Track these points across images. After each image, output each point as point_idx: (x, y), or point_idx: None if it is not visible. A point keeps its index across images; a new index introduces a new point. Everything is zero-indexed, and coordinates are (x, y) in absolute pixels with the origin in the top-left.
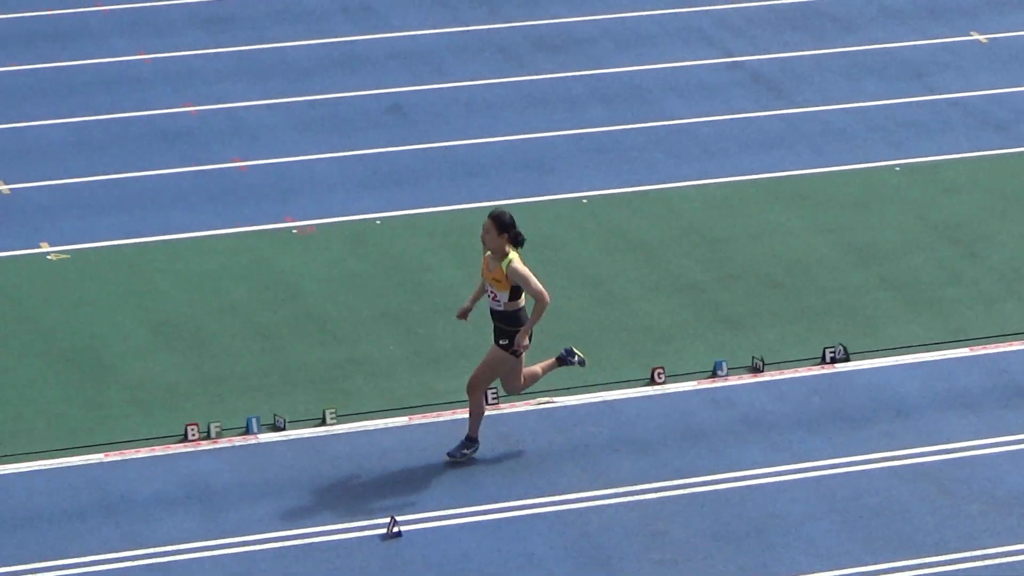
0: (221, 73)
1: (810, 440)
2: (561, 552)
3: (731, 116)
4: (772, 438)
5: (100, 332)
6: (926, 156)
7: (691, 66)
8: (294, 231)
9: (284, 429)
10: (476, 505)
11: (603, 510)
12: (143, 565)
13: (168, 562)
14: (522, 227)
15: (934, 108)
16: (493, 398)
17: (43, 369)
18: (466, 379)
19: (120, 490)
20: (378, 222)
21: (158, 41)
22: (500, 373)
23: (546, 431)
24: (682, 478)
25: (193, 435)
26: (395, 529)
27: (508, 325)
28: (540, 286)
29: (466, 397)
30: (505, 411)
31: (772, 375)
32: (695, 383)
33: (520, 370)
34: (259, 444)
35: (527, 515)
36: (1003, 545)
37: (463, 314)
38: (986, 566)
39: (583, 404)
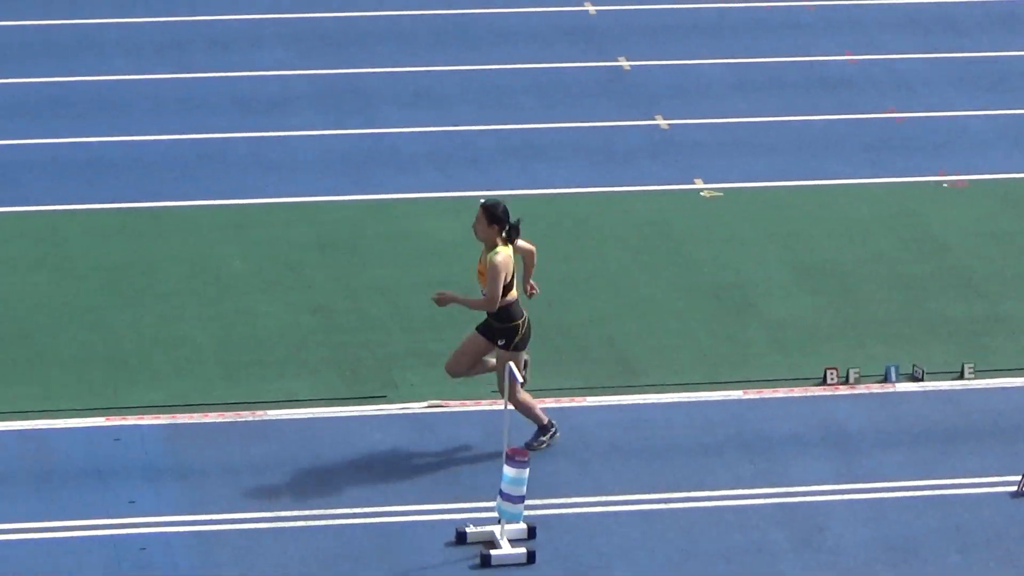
0: (882, 24)
1: None
2: None
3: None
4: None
5: (746, 270)
6: None
7: None
8: (945, 185)
9: (922, 380)
10: None
11: None
12: (773, 504)
13: (797, 503)
14: None
15: None
16: None
17: (690, 303)
18: None
19: (756, 428)
20: None
21: None
22: (479, 354)
23: None
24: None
25: (832, 379)
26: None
27: (498, 322)
28: (498, 292)
29: None
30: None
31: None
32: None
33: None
34: (896, 393)
35: None
36: None
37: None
38: None
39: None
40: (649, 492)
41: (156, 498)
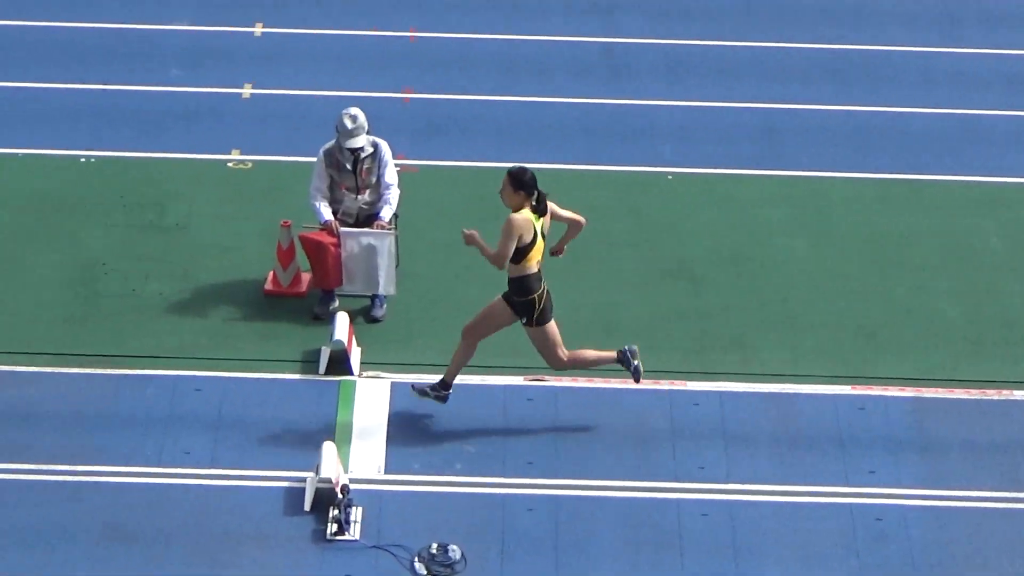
0: None
1: None
2: None
3: None
4: None
5: None
6: None
7: None
8: None
9: None
10: None
11: None
12: None
13: None
14: None
15: None
16: None
17: None
18: None
19: None
20: None
21: None
22: (499, 326)
23: None
24: None
25: None
26: None
27: (516, 295)
28: (507, 251)
29: None
30: None
31: None
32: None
33: (558, 347)
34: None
35: None
36: None
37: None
38: None
39: None
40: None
41: (895, 470)
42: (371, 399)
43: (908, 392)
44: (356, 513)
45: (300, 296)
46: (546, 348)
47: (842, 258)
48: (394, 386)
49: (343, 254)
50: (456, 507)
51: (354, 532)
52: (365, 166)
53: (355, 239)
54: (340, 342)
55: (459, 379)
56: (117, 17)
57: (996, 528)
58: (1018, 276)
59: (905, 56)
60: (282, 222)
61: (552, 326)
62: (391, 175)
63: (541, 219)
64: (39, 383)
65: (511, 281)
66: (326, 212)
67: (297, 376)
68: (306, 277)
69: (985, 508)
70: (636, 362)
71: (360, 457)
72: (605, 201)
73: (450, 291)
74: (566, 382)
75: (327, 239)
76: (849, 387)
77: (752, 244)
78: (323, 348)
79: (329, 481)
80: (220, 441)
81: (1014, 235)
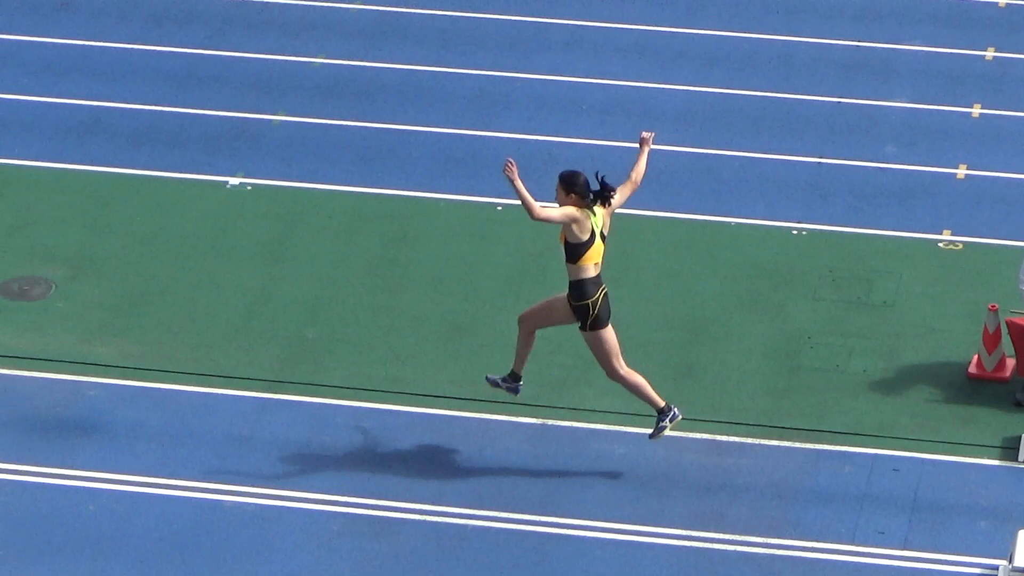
0: None
1: None
2: None
3: None
4: None
5: None
6: None
7: None
8: None
9: None
10: None
11: None
12: None
13: None
14: None
15: None
16: None
17: None
18: None
19: None
20: None
21: None
22: (554, 321)
23: None
24: None
25: None
26: None
27: (575, 299)
28: (546, 213)
29: None
30: None
31: None
32: None
33: (614, 356)
34: None
35: None
36: None
37: None
38: None
39: None
40: None
41: None
42: None
43: None
44: None
45: (1003, 381)
46: (601, 355)
47: None
48: None
49: None
50: None
51: None
52: None
53: None
54: None
55: None
56: (834, 90)
57: None
58: None
59: None
60: (990, 306)
61: (609, 332)
62: None
63: (601, 218)
64: (740, 453)
65: (570, 284)
66: None
67: (996, 462)
68: (1010, 363)
69: None
70: (666, 424)
71: None
72: None
73: None
74: None
75: None
76: None
77: None
78: (1023, 435)
79: (1021, 570)
80: (914, 523)
81: None
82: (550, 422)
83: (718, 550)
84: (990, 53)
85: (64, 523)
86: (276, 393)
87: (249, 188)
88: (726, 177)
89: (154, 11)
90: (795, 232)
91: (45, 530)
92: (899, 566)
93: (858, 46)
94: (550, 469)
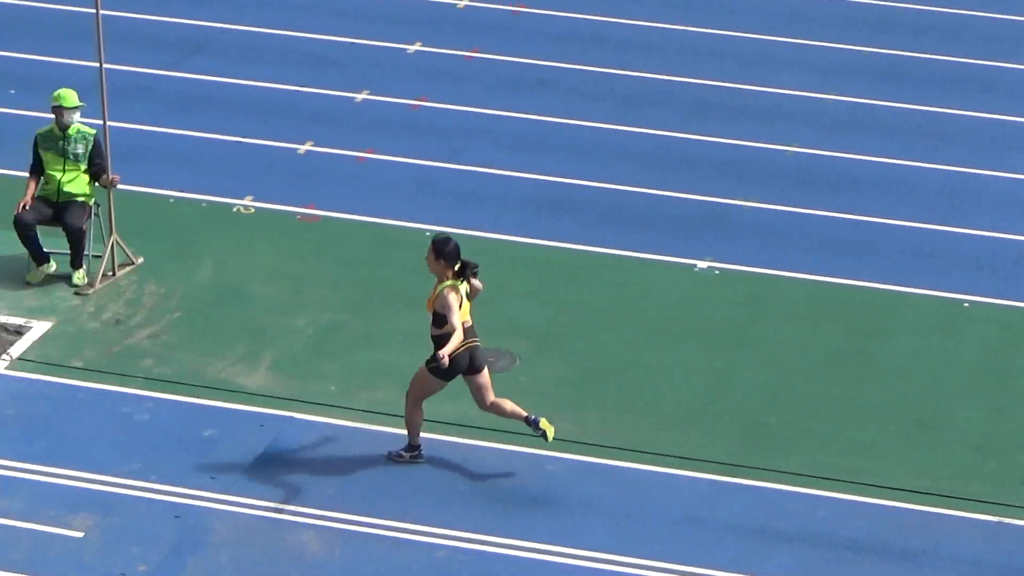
0: None
1: None
2: None
3: None
4: None
5: None
6: None
7: None
8: None
9: None
10: None
11: None
12: None
13: None
14: None
15: None
16: None
17: None
18: None
19: None
20: None
21: None
22: (427, 390)
23: None
24: None
25: None
26: None
27: (436, 346)
28: (456, 322)
29: None
30: None
31: None
32: None
33: (485, 389)
34: None
35: None
36: None
37: None
38: None
39: None
40: None
41: None
42: None
43: None
44: None
45: None
46: (479, 393)
47: None
48: None
49: None
50: None
51: None
52: None
53: None
54: None
55: None
56: None
57: None
58: None
59: None
60: None
61: (437, 383)
62: None
63: (464, 283)
64: None
65: (436, 340)
66: None
67: None
68: None
69: None
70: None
71: None
72: None
73: None
74: None
75: None
76: None
77: None
78: None
79: None
80: None
81: None
82: (1007, 520)
83: None
84: None
85: None
86: (732, 476)
87: (717, 272)
88: None
89: (629, 92)
90: None
91: None
92: None
93: None
94: (1006, 567)
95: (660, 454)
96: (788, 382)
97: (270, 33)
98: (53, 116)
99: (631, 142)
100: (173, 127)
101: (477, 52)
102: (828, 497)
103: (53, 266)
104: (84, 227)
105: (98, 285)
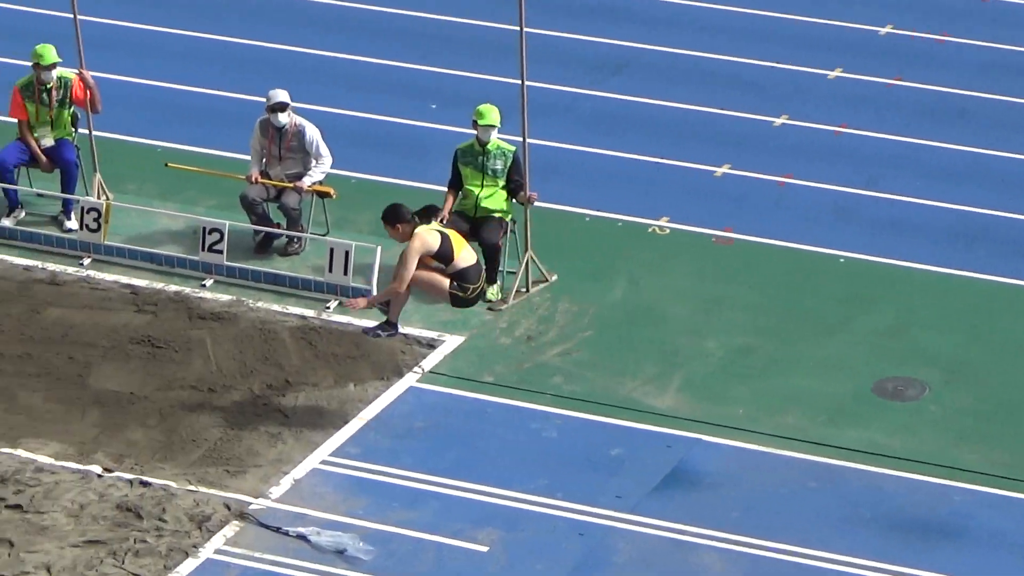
0: None
1: None
2: None
3: None
4: None
5: None
6: None
7: None
8: None
9: None
10: None
11: None
12: None
13: None
14: None
15: None
16: None
17: None
18: None
19: None
20: None
21: None
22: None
23: None
24: None
25: None
26: None
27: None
28: (406, 273)
29: None
30: None
31: None
32: None
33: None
34: None
35: None
36: None
37: None
38: None
39: None
40: None
41: None
42: None
43: None
44: None
45: None
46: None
47: None
48: None
49: None
50: None
51: None
52: None
53: None
54: None
55: None
56: None
57: None
58: None
59: None
60: None
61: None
62: None
63: (436, 223)
64: None
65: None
66: None
67: None
68: None
69: None
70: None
71: None
72: None
73: None
74: None
75: None
76: None
77: None
78: None
79: None
80: None
81: None
82: None
83: None
84: None
85: None
86: None
87: None
88: None
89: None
90: None
91: None
92: None
93: None
94: None
95: None
96: None
97: (688, 55)
98: (474, 132)
99: None
100: (591, 146)
101: (899, 80)
102: None
103: None
104: (500, 243)
105: (511, 301)
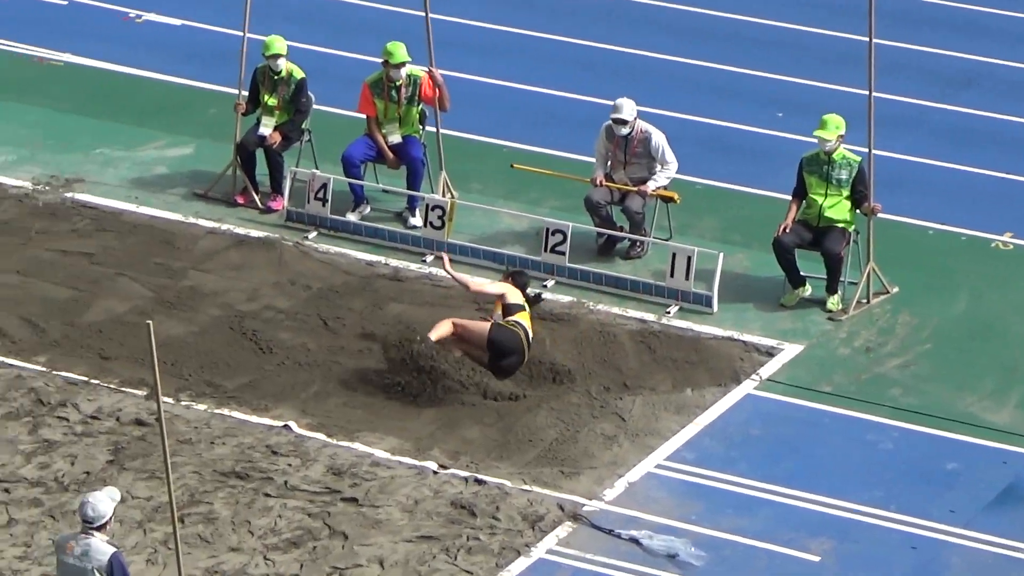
0: None
1: None
2: None
3: None
4: None
5: None
6: None
7: None
8: None
9: None
10: None
11: None
12: None
13: None
14: None
15: None
16: None
17: None
18: None
19: None
20: None
21: None
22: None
23: None
24: None
25: None
26: None
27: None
28: (489, 287)
29: None
30: None
31: None
32: None
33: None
34: None
35: None
36: None
37: None
38: None
39: None
40: None
41: None
42: None
43: None
44: None
45: None
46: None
47: None
48: None
49: None
50: None
51: None
52: None
53: None
54: None
55: None
56: None
57: None
58: None
59: None
60: None
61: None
62: None
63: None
64: None
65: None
66: None
67: None
68: None
69: None
70: None
71: None
72: None
73: None
74: None
75: None
76: None
77: None
78: None
79: None
80: None
81: None
82: None
83: None
84: None
85: None
86: None
87: None
88: None
89: None
90: None
91: None
92: None
93: None
94: None
95: None
96: None
97: None
98: (816, 143)
99: None
100: (938, 159)
101: None
102: None
103: (808, 290)
104: (842, 253)
105: (852, 311)
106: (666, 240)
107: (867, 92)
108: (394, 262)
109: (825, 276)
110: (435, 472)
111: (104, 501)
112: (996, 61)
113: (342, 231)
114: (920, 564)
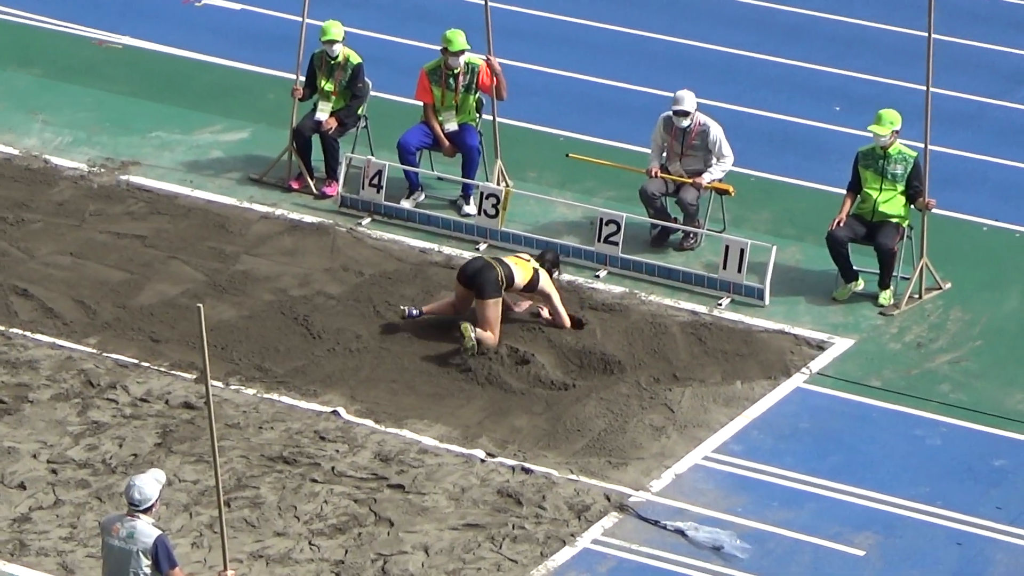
0: None
1: None
2: None
3: None
4: None
5: None
6: None
7: None
8: None
9: None
10: None
11: None
12: None
13: None
14: None
15: None
16: None
17: None
18: None
19: None
20: None
21: None
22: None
23: None
24: None
25: None
26: None
27: None
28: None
29: None
30: None
31: None
32: None
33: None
34: None
35: None
36: None
37: None
38: None
39: None
40: None
41: None
42: None
43: None
44: None
45: None
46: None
47: None
48: None
49: None
50: None
51: None
52: None
53: None
54: None
55: None
56: None
57: None
58: None
59: None
60: None
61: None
62: None
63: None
64: None
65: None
66: None
67: None
68: None
69: None
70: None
71: None
72: None
73: None
74: None
75: None
76: None
77: None
78: None
79: None
80: None
81: None
82: None
83: None
84: None
85: None
86: None
87: None
88: None
89: None
90: None
91: None
92: None
93: None
94: None
95: None
96: None
97: None
98: (872, 138)
99: None
100: (994, 156)
101: None
102: None
103: (861, 284)
104: (896, 248)
105: (903, 307)
106: (719, 232)
107: (925, 88)
108: (447, 250)
109: (878, 271)
110: (482, 460)
111: (150, 484)
112: None
113: (396, 218)
114: (965, 560)
